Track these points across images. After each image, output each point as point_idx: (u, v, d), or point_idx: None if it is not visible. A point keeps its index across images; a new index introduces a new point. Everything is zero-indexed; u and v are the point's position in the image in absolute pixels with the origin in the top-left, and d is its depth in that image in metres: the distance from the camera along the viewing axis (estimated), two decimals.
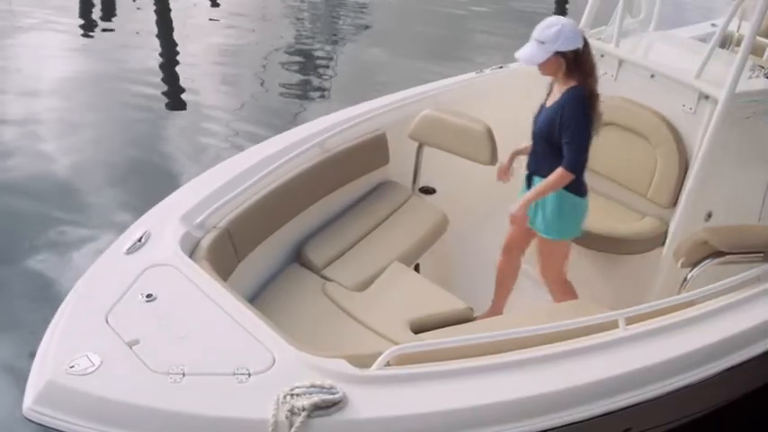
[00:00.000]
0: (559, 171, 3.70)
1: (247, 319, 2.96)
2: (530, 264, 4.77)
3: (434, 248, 4.29)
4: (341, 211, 4.33)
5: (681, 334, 3.16)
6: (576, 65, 3.66)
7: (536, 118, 3.86)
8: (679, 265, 3.79)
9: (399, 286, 3.84)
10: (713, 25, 5.79)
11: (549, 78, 4.66)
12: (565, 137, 3.67)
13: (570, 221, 3.91)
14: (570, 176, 3.69)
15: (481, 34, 9.51)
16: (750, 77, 4.20)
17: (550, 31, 3.60)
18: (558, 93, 3.76)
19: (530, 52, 3.67)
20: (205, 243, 3.46)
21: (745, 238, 3.75)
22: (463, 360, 2.90)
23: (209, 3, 10.91)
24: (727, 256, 3.67)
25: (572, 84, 3.69)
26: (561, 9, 11.19)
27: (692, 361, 3.11)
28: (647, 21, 4.86)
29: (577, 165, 3.69)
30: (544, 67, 3.71)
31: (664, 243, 4.22)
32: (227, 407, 2.61)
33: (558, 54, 3.64)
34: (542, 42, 3.62)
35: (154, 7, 10.45)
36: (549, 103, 3.81)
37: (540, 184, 3.80)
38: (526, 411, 2.81)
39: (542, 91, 4.78)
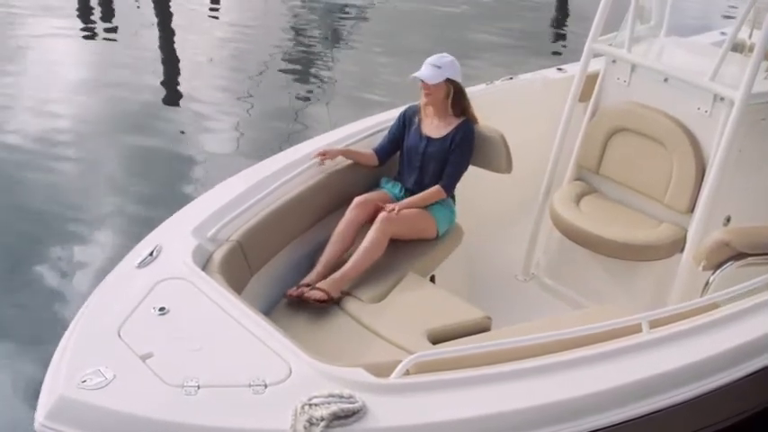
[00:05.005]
0: (437, 189, 4.17)
1: (262, 330, 2.92)
2: (545, 272, 4.72)
3: (450, 259, 4.23)
4: None
5: (706, 337, 3.09)
6: (461, 96, 4.20)
7: (421, 145, 4.22)
8: (700, 268, 3.72)
9: (415, 297, 3.77)
10: (722, 34, 5.76)
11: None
12: (451, 164, 4.19)
13: None
14: (443, 196, 4.19)
15: (485, 43, 9.48)
16: (766, 78, 4.14)
17: (446, 59, 4.15)
18: (444, 125, 4.21)
19: (429, 73, 4.12)
20: (217, 256, 3.43)
21: (767, 238, 3.68)
22: (484, 367, 2.84)
23: (210, 4, 10.93)
24: (750, 258, 3.60)
25: (458, 117, 4.21)
26: (562, 13, 11.16)
27: (719, 364, 3.04)
28: (657, 27, 4.83)
29: (453, 189, 4.26)
30: (436, 90, 4.14)
31: (683, 249, 4.14)
32: (244, 419, 2.56)
33: (449, 81, 4.14)
34: (439, 67, 4.12)
35: (153, 10, 10.48)
36: (433, 134, 4.21)
37: (418, 196, 4.16)
38: (549, 418, 2.75)
39: (552, 101, 4.81)
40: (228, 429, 2.52)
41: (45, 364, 2.81)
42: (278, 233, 3.82)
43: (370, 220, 3.99)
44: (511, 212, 4.93)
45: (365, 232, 3.95)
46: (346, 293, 3.78)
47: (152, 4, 10.74)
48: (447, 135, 4.18)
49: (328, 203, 4.11)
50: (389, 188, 4.27)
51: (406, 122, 4.31)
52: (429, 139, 4.21)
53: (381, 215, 3.94)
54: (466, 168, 4.25)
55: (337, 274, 3.78)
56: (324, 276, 3.79)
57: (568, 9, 11.27)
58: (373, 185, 4.30)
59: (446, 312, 3.65)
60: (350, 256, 3.88)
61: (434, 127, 4.22)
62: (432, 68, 4.11)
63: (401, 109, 4.41)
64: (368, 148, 4.32)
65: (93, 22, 9.99)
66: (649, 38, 4.73)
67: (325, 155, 4.14)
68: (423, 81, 4.13)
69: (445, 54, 4.18)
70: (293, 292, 3.71)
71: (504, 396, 2.74)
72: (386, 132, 4.36)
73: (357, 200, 4.06)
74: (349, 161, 4.24)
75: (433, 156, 4.19)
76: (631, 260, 4.29)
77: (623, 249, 4.21)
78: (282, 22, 10.27)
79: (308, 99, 7.96)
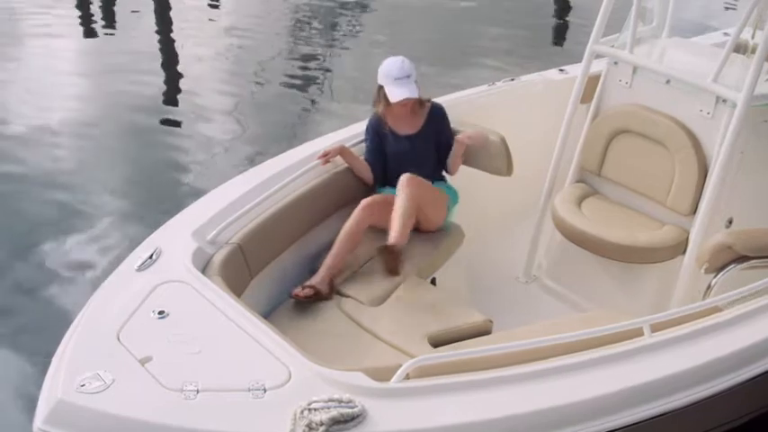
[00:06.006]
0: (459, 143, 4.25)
1: (262, 333, 2.91)
2: (546, 275, 4.71)
3: (451, 261, 4.22)
4: None
5: (708, 340, 3.08)
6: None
7: (406, 145, 4.20)
8: (702, 270, 3.70)
9: (416, 300, 3.76)
10: (725, 34, 5.74)
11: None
12: (448, 144, 4.26)
13: None
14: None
15: (486, 42, 9.45)
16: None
17: (410, 64, 4.10)
18: (414, 117, 4.21)
19: (412, 89, 4.06)
20: (218, 259, 3.42)
21: None
22: (485, 371, 2.83)
23: (209, 6, 10.91)
24: (752, 261, 3.58)
25: (424, 106, 4.22)
26: (562, 11, 11.13)
27: (721, 368, 3.02)
28: (659, 28, 4.80)
29: None
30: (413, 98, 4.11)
31: (685, 251, 4.12)
32: (243, 423, 2.55)
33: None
34: (411, 76, 4.08)
35: (153, 10, 10.45)
36: (410, 131, 4.21)
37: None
38: (550, 423, 2.74)
39: (554, 103, 4.79)
40: None
41: (44, 368, 2.81)
42: (278, 236, 3.80)
43: (377, 223, 4.00)
44: (512, 214, 4.91)
45: (369, 235, 3.97)
46: (346, 295, 3.77)
47: (152, 3, 10.70)
48: (424, 124, 4.21)
49: (328, 206, 4.09)
50: (392, 192, 4.23)
51: (378, 133, 4.26)
52: (410, 137, 4.21)
53: (406, 176, 3.97)
54: None
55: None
56: (330, 277, 3.79)
57: (570, 9, 11.22)
58: (373, 188, 4.29)
59: (447, 315, 3.64)
60: (354, 258, 3.91)
61: (407, 124, 4.22)
62: (411, 83, 4.07)
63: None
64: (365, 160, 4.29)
65: (93, 22, 9.96)
66: (651, 39, 4.70)
67: (327, 155, 4.12)
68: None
69: (403, 58, 4.12)
70: (300, 292, 3.69)
71: (505, 401, 2.73)
72: (368, 152, 4.29)
73: (366, 201, 4.03)
74: (348, 164, 4.22)
75: (424, 149, 4.20)
76: (633, 262, 4.27)
77: (625, 251, 4.19)
78: (283, 20, 10.23)
79: (309, 98, 7.93)
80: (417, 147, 4.21)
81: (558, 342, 3.00)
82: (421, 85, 4.17)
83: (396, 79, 4.05)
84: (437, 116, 4.25)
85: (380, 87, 4.15)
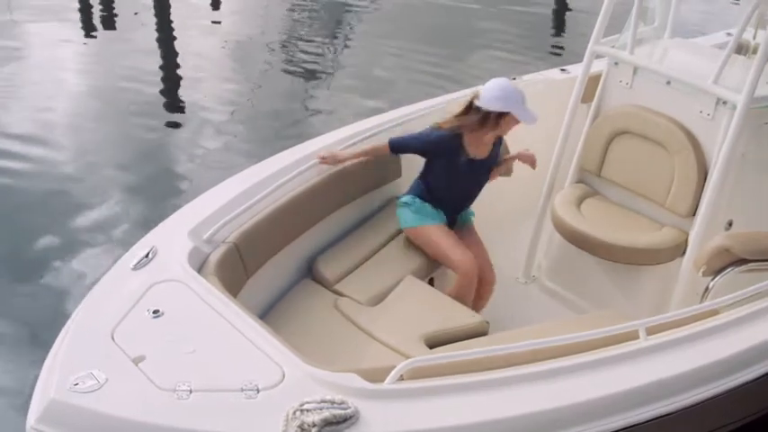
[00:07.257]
0: None
1: (255, 333, 2.90)
2: (546, 275, 4.70)
3: None
4: (353, 225, 4.27)
5: (704, 344, 3.07)
6: None
7: (472, 169, 4.08)
8: (700, 273, 3.70)
9: (413, 300, 3.76)
10: (728, 34, 5.72)
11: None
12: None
13: None
14: None
15: (487, 43, 9.42)
16: None
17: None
18: (485, 143, 4.04)
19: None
20: (214, 258, 3.40)
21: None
22: (479, 373, 2.82)
23: (210, 6, 10.89)
24: (750, 264, 3.57)
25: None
26: (561, 13, 11.11)
27: (716, 372, 3.01)
28: (661, 28, 4.79)
29: None
30: None
31: (683, 253, 4.11)
32: (235, 424, 2.54)
33: None
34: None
35: (154, 13, 10.46)
36: (479, 155, 4.06)
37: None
38: (545, 425, 2.73)
39: (555, 102, 4.78)
40: None
41: (38, 367, 2.80)
42: (275, 235, 3.79)
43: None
44: (512, 214, 4.91)
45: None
46: (344, 295, 3.77)
47: (152, 4, 10.72)
48: (492, 150, 4.12)
49: (326, 206, 4.08)
50: (438, 219, 4.15)
51: (445, 151, 4.03)
52: (479, 161, 4.09)
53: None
54: None
55: None
56: None
57: (572, 9, 11.20)
58: (372, 187, 4.28)
59: (443, 316, 3.64)
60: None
61: (479, 147, 4.06)
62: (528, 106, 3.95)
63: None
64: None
65: (94, 25, 9.97)
66: (652, 39, 4.69)
67: (326, 158, 4.05)
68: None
69: (507, 80, 4.03)
70: None
71: (499, 403, 2.72)
72: (407, 133, 4.21)
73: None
74: (350, 162, 4.19)
75: (482, 174, 4.18)
76: (632, 264, 4.26)
77: (624, 253, 4.19)
78: (283, 22, 10.24)
79: (308, 99, 7.93)
80: (478, 171, 4.13)
81: (554, 344, 2.99)
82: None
83: (524, 102, 3.94)
84: (501, 145, 4.24)
85: (498, 114, 3.90)
